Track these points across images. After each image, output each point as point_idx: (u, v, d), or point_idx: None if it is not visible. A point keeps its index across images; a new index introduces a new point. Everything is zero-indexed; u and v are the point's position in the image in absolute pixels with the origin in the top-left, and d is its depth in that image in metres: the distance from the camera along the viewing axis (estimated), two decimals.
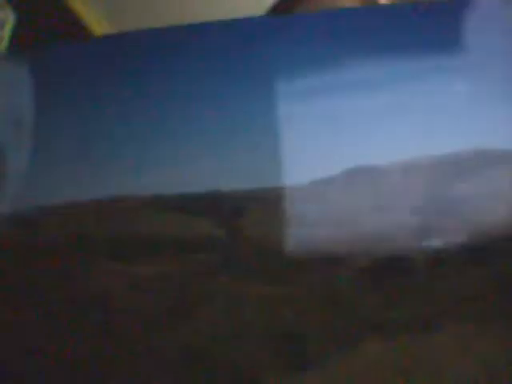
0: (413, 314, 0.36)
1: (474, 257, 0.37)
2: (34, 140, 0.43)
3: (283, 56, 0.41)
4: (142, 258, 0.38)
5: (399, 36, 0.40)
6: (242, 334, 0.37)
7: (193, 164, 0.40)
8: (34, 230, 0.40)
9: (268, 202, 0.39)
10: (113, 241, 0.39)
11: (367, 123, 0.39)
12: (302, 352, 0.37)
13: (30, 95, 0.44)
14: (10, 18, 1.15)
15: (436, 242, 0.37)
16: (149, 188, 0.40)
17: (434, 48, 0.39)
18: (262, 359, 0.37)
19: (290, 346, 0.37)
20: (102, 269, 0.38)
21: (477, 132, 0.37)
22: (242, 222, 0.39)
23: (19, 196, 0.42)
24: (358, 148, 0.38)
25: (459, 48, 0.39)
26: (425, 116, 0.38)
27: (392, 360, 0.36)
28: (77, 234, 0.39)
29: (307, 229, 0.38)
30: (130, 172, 0.41)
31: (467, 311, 0.36)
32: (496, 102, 0.38)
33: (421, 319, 0.37)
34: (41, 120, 0.44)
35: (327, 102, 0.39)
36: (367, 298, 0.37)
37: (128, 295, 0.38)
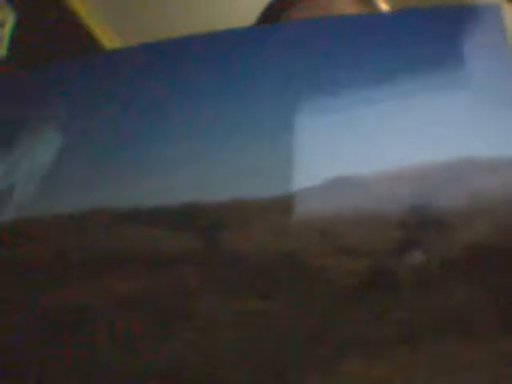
0: (396, 331, 0.35)
1: (461, 270, 0.35)
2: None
3: (273, 66, 0.39)
4: (117, 273, 0.37)
5: (388, 47, 0.38)
6: (220, 351, 0.36)
7: (170, 175, 0.38)
8: (9, 244, 0.39)
9: (248, 214, 0.37)
10: (87, 256, 0.38)
11: (352, 133, 0.37)
12: (282, 370, 0.36)
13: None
14: (10, 19, 1.15)
15: (421, 255, 0.36)
16: (125, 200, 0.39)
17: (422, 60, 0.38)
18: (240, 378, 0.35)
19: (269, 364, 0.36)
20: (77, 285, 0.37)
21: (463, 140, 0.36)
22: (221, 234, 0.37)
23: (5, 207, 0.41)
24: (342, 158, 0.37)
25: (447, 60, 0.38)
26: (410, 125, 0.36)
27: (375, 379, 0.35)
28: (51, 249, 0.38)
29: (288, 241, 0.37)
30: (108, 183, 0.40)
31: (453, 328, 0.35)
32: (483, 109, 0.36)
33: (404, 336, 0.35)
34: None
35: (312, 114, 0.38)
36: (349, 313, 0.36)
37: (103, 312, 0.37)
